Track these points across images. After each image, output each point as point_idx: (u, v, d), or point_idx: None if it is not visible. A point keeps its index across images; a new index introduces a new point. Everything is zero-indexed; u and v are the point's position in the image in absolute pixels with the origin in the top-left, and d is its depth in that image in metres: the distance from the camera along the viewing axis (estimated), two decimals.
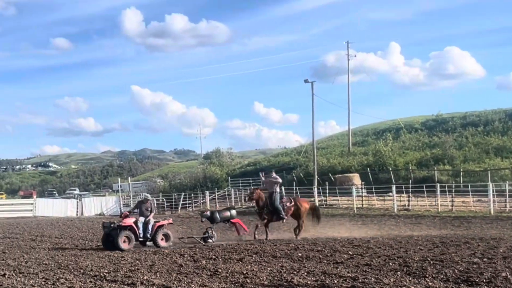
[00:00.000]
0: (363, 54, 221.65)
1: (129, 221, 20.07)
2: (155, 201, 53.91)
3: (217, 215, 22.32)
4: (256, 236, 21.75)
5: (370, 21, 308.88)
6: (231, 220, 22.75)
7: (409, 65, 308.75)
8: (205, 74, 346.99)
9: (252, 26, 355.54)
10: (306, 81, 52.64)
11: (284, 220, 22.30)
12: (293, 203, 22.22)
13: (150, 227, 20.25)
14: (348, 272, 12.01)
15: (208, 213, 22.83)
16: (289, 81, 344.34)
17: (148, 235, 20.20)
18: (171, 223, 21.61)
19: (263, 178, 22.84)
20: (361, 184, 46.70)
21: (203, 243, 20.81)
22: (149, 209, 20.60)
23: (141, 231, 20.10)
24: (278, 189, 22.10)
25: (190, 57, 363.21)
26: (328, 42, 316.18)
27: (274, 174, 22.66)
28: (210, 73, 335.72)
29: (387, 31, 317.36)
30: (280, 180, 22.43)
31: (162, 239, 20.36)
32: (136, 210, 20.81)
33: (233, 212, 23.06)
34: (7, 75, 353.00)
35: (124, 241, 19.48)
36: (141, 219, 20.23)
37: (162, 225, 20.72)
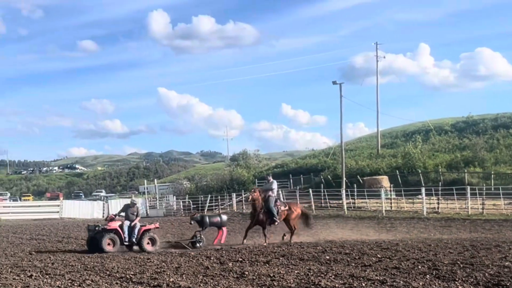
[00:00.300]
0: (392, 55, 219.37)
1: (114, 224, 19.97)
2: (180, 202, 54.00)
3: (207, 220, 22.09)
4: (267, 240, 21.29)
5: (399, 22, 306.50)
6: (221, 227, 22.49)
7: (439, 67, 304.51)
8: (232, 76, 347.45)
9: (280, 28, 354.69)
10: (334, 82, 52.45)
11: (276, 223, 21.76)
12: (287, 207, 21.98)
13: (136, 231, 20.06)
14: (376, 275, 11.83)
15: (198, 216, 22.56)
16: (317, 83, 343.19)
17: (134, 239, 20.02)
18: (157, 227, 21.43)
19: (271, 179, 22.45)
20: (390, 187, 46.26)
21: (191, 248, 20.48)
22: (135, 213, 20.46)
23: (126, 234, 19.94)
24: (273, 193, 21.78)
25: (217, 58, 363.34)
26: (357, 43, 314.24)
27: (270, 179, 22.43)
28: (237, 75, 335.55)
29: (416, 32, 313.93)
30: (273, 186, 21.94)
31: (148, 243, 20.11)
32: (122, 214, 20.64)
33: (224, 218, 22.80)
34: (34, 78, 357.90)
35: (109, 244, 19.40)
36: (127, 222, 20.08)
37: (149, 229, 20.49)
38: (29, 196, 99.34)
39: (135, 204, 21.03)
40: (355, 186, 43.81)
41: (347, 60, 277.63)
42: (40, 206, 54.77)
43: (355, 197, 42.13)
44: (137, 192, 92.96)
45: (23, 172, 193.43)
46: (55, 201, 58.94)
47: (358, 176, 52.46)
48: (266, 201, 21.37)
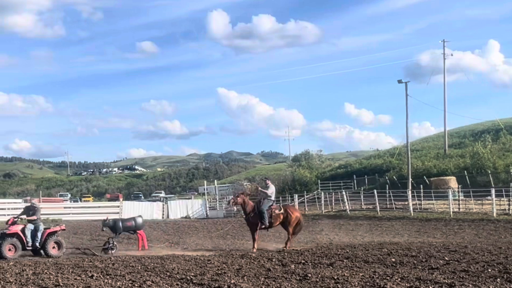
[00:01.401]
0: (460, 53, 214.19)
1: (16, 228, 18.88)
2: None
3: (120, 224, 20.96)
4: (256, 246, 20.32)
5: (466, 18, 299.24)
6: (137, 231, 21.32)
7: (509, 64, 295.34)
8: (293, 75, 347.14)
9: (342, 26, 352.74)
10: (400, 81, 51.51)
11: (265, 227, 20.68)
12: (282, 210, 21.00)
13: (39, 234, 19.01)
14: (444, 278, 11.41)
15: (111, 221, 21.21)
16: (381, 82, 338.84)
17: (37, 244, 18.96)
18: (63, 229, 20.27)
19: (269, 183, 21.53)
20: (458, 188, 44.98)
21: (101, 255, 19.29)
22: (35, 214, 19.31)
23: (29, 239, 18.87)
24: (272, 197, 20.91)
25: (278, 58, 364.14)
26: (422, 41, 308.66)
27: (268, 182, 21.55)
28: (298, 74, 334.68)
29: (485, 29, 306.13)
30: (269, 191, 20.92)
31: (53, 248, 19.09)
32: (23, 217, 19.60)
33: (139, 221, 21.43)
34: (94, 80, 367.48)
35: (10, 250, 18.33)
36: (30, 226, 19.03)
37: (54, 232, 19.37)
38: (89, 197, 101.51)
39: (35, 206, 19.83)
40: (421, 187, 42.75)
41: (412, 59, 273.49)
42: (100, 207, 55.69)
43: (421, 198, 41.14)
44: (196, 193, 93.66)
45: (83, 173, 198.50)
46: (115, 202, 59.83)
47: (424, 177, 51.31)
48: (259, 203, 20.67)
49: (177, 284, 11.64)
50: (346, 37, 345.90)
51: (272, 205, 20.79)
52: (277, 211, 20.64)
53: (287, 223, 20.75)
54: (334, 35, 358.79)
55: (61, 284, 11.68)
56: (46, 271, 13.71)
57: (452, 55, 71.91)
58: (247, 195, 21.97)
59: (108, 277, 12.74)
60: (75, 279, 12.44)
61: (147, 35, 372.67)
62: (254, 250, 19.49)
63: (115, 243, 20.55)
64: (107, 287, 11.44)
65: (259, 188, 22.17)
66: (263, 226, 20.58)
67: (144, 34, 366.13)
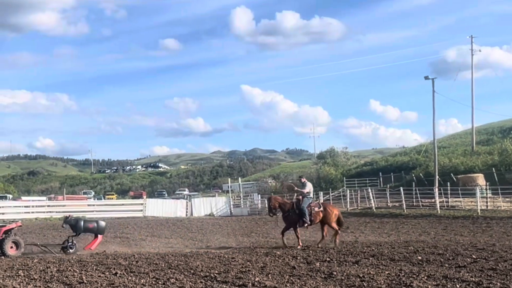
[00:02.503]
0: (488, 49, 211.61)
1: None
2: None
3: (81, 225, 19.86)
4: (301, 243, 20.11)
5: (494, 14, 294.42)
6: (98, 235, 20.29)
7: None
8: (318, 72, 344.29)
9: (367, 22, 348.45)
10: (426, 78, 50.90)
11: (307, 225, 20.45)
12: (321, 208, 20.72)
13: None
14: (471, 277, 11.28)
15: (73, 220, 20.13)
16: (407, 78, 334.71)
17: None
18: (20, 226, 19.46)
19: (305, 181, 21.16)
20: (486, 185, 44.29)
21: (57, 253, 18.77)
22: None
23: None
24: (310, 194, 20.68)
25: (302, 55, 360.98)
26: (448, 37, 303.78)
27: (304, 180, 21.17)
28: (323, 71, 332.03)
29: None
30: (305, 189, 20.58)
31: (11, 247, 17.94)
32: None
33: (102, 224, 20.40)
34: (117, 77, 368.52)
35: None
36: None
37: (10, 230, 18.31)
38: (113, 194, 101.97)
39: None
40: (449, 185, 42.20)
41: (438, 55, 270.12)
42: (123, 205, 55.71)
43: (449, 196, 40.60)
44: (220, 191, 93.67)
45: (107, 171, 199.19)
46: (139, 200, 60.06)
47: (451, 174, 50.67)
48: (298, 202, 20.45)
49: (201, 282, 11.60)
50: (370, 33, 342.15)
51: (311, 202, 20.71)
52: (316, 209, 20.49)
53: (326, 220, 20.53)
54: (359, 32, 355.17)
55: (85, 282, 11.70)
56: (70, 268, 13.77)
57: (480, 51, 70.57)
58: (288, 186, 21.67)
59: (132, 274, 12.74)
60: (99, 276, 12.46)
61: (170, 32, 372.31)
62: (299, 247, 19.45)
63: (74, 242, 19.78)
64: (131, 284, 11.42)
65: (295, 188, 21.95)
66: (305, 225, 20.44)
67: (167, 31, 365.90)
